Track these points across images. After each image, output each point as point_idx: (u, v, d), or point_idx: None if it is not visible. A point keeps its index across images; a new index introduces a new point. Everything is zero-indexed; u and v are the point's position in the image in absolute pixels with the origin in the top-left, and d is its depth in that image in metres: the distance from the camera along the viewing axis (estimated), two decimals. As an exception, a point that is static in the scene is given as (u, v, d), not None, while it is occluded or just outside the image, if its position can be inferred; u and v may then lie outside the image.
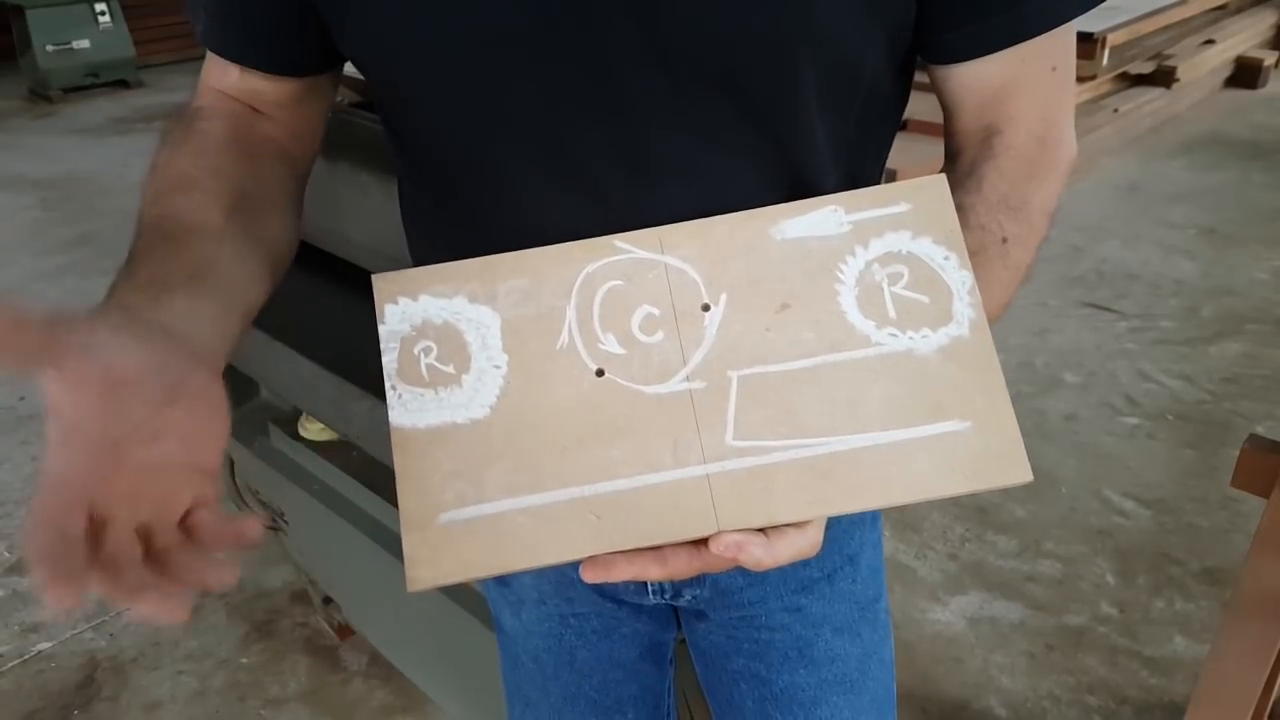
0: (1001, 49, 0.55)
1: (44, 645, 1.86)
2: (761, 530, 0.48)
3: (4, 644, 1.86)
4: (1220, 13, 4.90)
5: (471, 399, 0.51)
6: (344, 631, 1.80)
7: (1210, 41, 4.53)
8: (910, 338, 0.51)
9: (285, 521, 1.52)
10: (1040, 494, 2.10)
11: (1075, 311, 2.84)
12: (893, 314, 0.51)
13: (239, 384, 1.46)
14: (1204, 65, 4.46)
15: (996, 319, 0.55)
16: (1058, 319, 2.80)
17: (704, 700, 0.85)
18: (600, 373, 0.51)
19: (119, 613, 1.92)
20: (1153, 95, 4.21)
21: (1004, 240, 0.56)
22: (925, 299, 0.51)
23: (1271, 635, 0.95)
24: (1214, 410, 2.36)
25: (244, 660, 1.80)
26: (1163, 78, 4.26)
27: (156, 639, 1.86)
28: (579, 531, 0.48)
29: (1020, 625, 1.78)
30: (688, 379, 0.51)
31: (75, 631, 1.88)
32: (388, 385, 0.51)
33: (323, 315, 1.22)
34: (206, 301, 0.48)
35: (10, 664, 1.82)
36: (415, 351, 0.52)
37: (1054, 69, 0.57)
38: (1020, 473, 0.49)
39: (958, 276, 0.51)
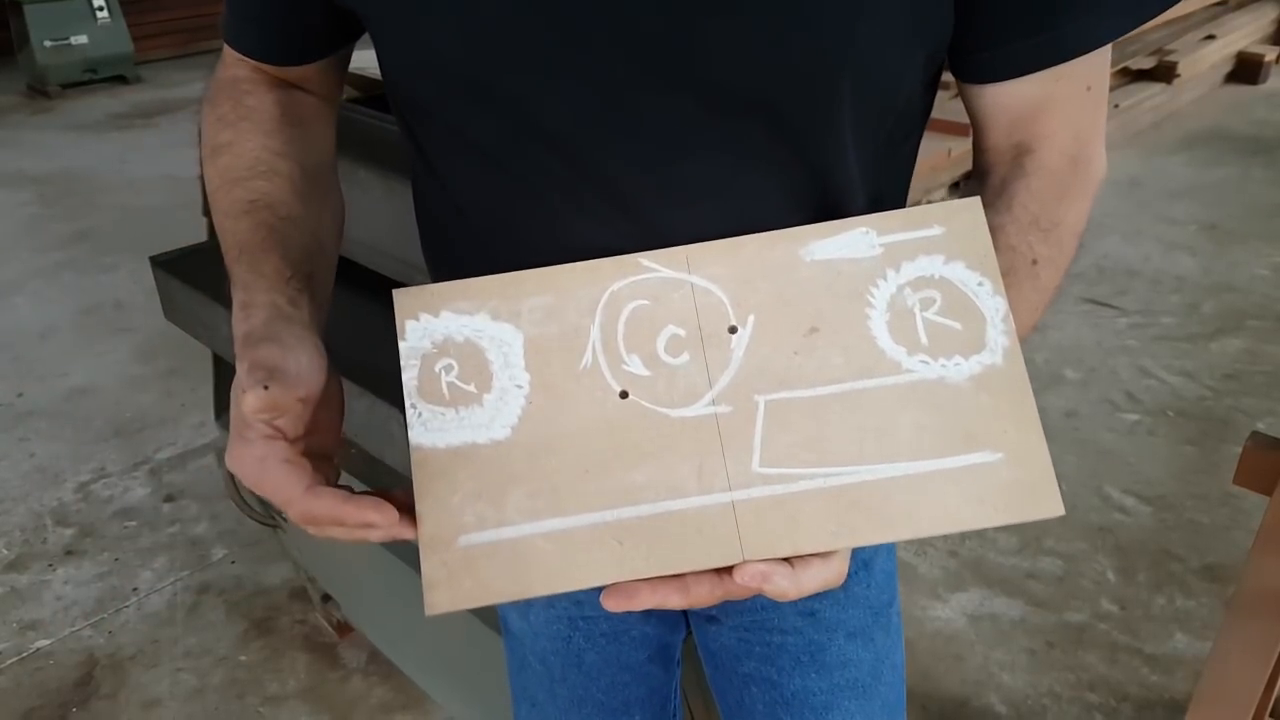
0: (1039, 70, 0.53)
1: (43, 643, 1.85)
2: (786, 560, 0.47)
3: (3, 641, 1.86)
4: (1221, 8, 4.90)
5: (493, 419, 0.50)
6: (343, 629, 1.80)
7: (1211, 37, 4.52)
8: (942, 365, 0.49)
9: (284, 519, 1.51)
10: (1040, 491, 2.10)
11: (1075, 308, 2.84)
12: (924, 340, 0.50)
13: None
14: (1205, 61, 4.46)
15: (1023, 341, 0.54)
16: (1058, 315, 2.79)
17: (704, 700, 0.85)
18: (624, 394, 0.50)
19: (118, 610, 1.92)
20: (1153, 91, 4.21)
21: (1034, 262, 0.55)
22: (958, 325, 0.50)
23: (1273, 633, 0.95)
24: (1215, 407, 2.36)
25: (243, 658, 1.80)
26: (1163, 73, 4.25)
27: (155, 636, 1.85)
28: (601, 557, 0.47)
29: (1021, 622, 1.78)
30: (713, 403, 0.49)
31: (74, 629, 1.88)
32: (408, 404, 0.50)
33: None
34: (319, 296, 0.54)
35: (9, 661, 1.81)
36: (436, 369, 0.50)
37: (1089, 88, 0.55)
38: (1051, 506, 0.47)
39: (991, 303, 0.50)
